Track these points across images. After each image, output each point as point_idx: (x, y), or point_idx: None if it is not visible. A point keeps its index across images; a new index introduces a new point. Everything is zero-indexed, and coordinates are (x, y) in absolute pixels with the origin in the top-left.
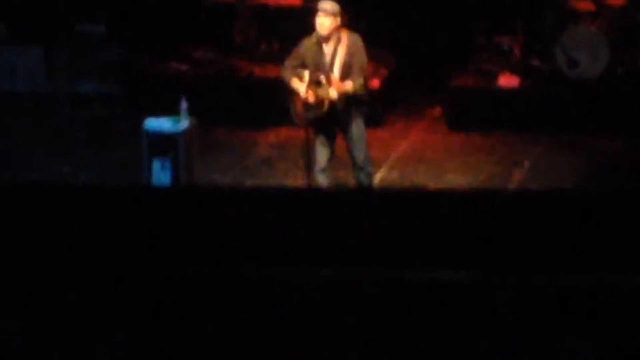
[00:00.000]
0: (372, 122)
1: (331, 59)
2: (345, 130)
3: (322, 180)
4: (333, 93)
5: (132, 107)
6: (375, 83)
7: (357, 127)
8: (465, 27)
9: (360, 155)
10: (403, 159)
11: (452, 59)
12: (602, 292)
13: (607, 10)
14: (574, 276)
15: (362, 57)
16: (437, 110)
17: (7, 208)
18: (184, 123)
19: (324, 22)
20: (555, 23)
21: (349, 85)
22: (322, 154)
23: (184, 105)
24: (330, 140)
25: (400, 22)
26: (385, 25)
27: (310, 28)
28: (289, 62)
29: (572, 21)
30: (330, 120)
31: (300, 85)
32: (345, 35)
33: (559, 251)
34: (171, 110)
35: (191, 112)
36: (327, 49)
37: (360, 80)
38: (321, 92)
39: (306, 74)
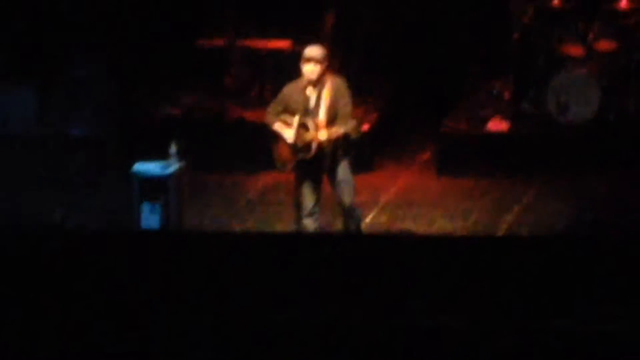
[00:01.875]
0: (362, 166)
1: (316, 104)
2: (331, 174)
3: (309, 225)
4: (322, 135)
5: (124, 150)
6: (365, 127)
7: (344, 171)
8: (456, 71)
9: (347, 200)
10: (392, 203)
11: (442, 104)
12: (595, 337)
13: (598, 55)
14: (566, 322)
15: (347, 100)
16: (427, 155)
17: None
18: (173, 167)
19: (314, 69)
20: (546, 68)
21: (341, 128)
22: (308, 199)
23: (173, 149)
24: (317, 185)
25: (391, 66)
26: (376, 70)
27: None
28: (272, 108)
29: (563, 66)
30: (317, 164)
31: (286, 130)
32: (329, 79)
33: (549, 296)
34: (163, 154)
35: (181, 156)
36: (312, 93)
37: (354, 123)
38: (308, 136)
39: (295, 119)
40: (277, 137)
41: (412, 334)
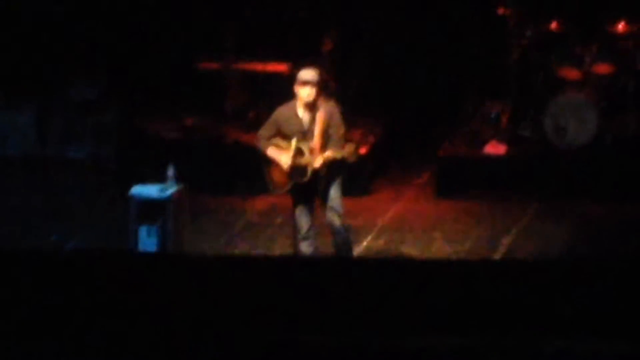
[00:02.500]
0: (359, 189)
1: (310, 127)
2: (323, 195)
3: (305, 248)
4: (318, 162)
5: (123, 173)
6: (362, 150)
7: (335, 192)
8: (454, 94)
9: (337, 220)
10: (389, 226)
11: (440, 127)
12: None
13: (595, 78)
14: (563, 343)
15: (340, 123)
16: (423, 177)
17: None
18: (171, 189)
19: (311, 92)
20: (543, 91)
21: (338, 153)
22: (303, 223)
23: (171, 171)
24: (310, 208)
25: (388, 90)
26: (374, 93)
27: None
28: (264, 131)
29: (561, 89)
30: (311, 187)
31: (282, 155)
32: (322, 103)
33: (547, 319)
34: (162, 177)
35: (179, 179)
36: (305, 117)
37: (352, 148)
38: (304, 160)
39: (292, 142)
40: (270, 161)
41: (408, 356)
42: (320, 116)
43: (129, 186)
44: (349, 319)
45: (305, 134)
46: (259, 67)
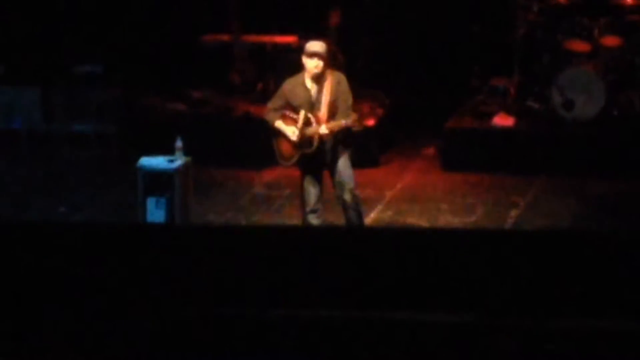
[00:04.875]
0: (367, 161)
1: (317, 98)
2: (332, 168)
3: (313, 220)
4: (324, 130)
5: (129, 146)
6: (370, 122)
7: (344, 164)
8: (462, 67)
9: (348, 193)
10: (397, 198)
11: (447, 100)
12: (599, 336)
13: (603, 51)
14: (570, 319)
15: (347, 94)
16: (432, 150)
17: (3, 247)
18: (179, 162)
19: (318, 64)
20: (551, 64)
21: (342, 121)
22: (311, 195)
23: (179, 143)
24: (318, 180)
25: (397, 63)
26: (382, 66)
27: None
28: (272, 104)
29: (569, 62)
30: (318, 158)
31: (289, 127)
32: (329, 75)
33: (555, 293)
34: (168, 150)
35: (187, 152)
36: (313, 88)
37: (355, 116)
38: (310, 130)
39: (301, 114)
40: (278, 133)
41: (414, 329)
42: (327, 87)
43: (136, 160)
44: (355, 291)
45: (313, 105)
46: (266, 39)
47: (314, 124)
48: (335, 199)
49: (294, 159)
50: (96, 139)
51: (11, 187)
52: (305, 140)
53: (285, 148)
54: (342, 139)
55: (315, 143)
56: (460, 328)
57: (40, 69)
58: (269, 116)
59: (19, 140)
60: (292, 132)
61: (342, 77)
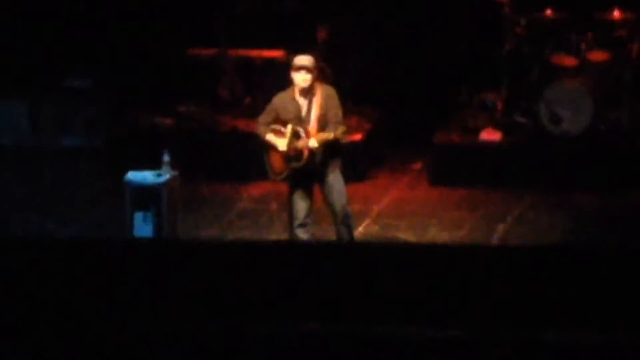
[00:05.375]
0: (354, 176)
1: (307, 112)
2: (323, 182)
3: (302, 235)
4: (313, 142)
5: (117, 161)
6: (358, 137)
7: (335, 178)
8: (449, 82)
9: (340, 208)
10: (385, 213)
11: (435, 115)
12: (588, 350)
13: (591, 66)
14: (559, 332)
15: (337, 107)
16: (418, 165)
17: None
18: (166, 176)
19: (306, 77)
20: (539, 79)
21: (330, 134)
22: (300, 209)
23: (166, 157)
24: (308, 194)
25: (385, 77)
26: (370, 81)
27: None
28: (263, 119)
29: (556, 77)
30: (308, 173)
31: (279, 140)
32: (319, 88)
33: (544, 307)
34: (156, 165)
35: (174, 166)
36: (302, 102)
37: (343, 128)
38: (300, 143)
39: (288, 127)
40: (269, 147)
41: (402, 344)
42: (317, 101)
43: (123, 174)
44: (345, 306)
45: (302, 119)
46: (253, 53)
47: (304, 137)
48: (323, 213)
49: (285, 174)
50: (84, 153)
51: None
52: (294, 153)
53: (276, 162)
54: (331, 152)
55: (305, 157)
56: (449, 343)
57: (29, 82)
58: (259, 130)
59: (6, 154)
60: (281, 144)
61: (331, 91)
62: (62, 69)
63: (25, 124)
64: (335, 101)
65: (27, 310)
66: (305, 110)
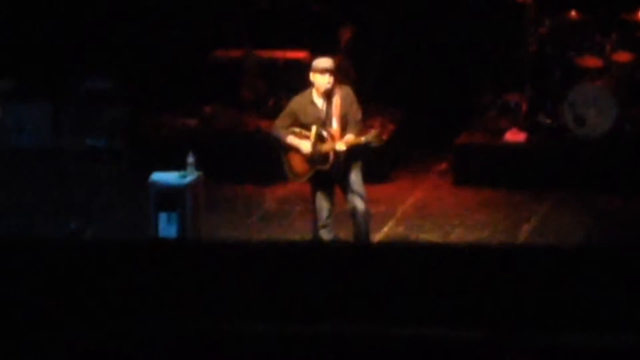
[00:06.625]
0: (378, 177)
1: (327, 114)
2: (344, 181)
3: (325, 236)
4: (341, 146)
5: (140, 162)
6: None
7: (356, 176)
8: (473, 83)
9: (360, 204)
10: (409, 214)
11: (459, 116)
12: (611, 352)
13: (615, 67)
14: (581, 335)
15: (356, 107)
16: (443, 165)
17: (14, 264)
18: (191, 177)
19: (330, 80)
20: (562, 80)
21: (362, 138)
22: (323, 210)
23: (190, 159)
24: (330, 195)
25: (408, 78)
26: (393, 81)
27: None
28: (281, 122)
29: (580, 78)
30: (331, 174)
31: (302, 142)
32: (337, 89)
33: (566, 309)
34: (179, 166)
35: (198, 167)
36: (321, 104)
37: (375, 132)
38: (325, 146)
39: (313, 130)
40: (289, 149)
41: (424, 345)
42: (336, 102)
43: (147, 175)
44: (369, 307)
45: (323, 121)
46: (277, 55)
47: (329, 140)
48: (346, 213)
49: (308, 175)
50: (107, 155)
51: (21, 204)
52: (319, 156)
53: (297, 164)
54: (356, 153)
55: (331, 159)
56: (471, 344)
57: (51, 84)
58: (279, 133)
59: (29, 156)
60: (305, 147)
61: (348, 90)
62: (84, 71)
63: (48, 126)
64: (353, 101)
65: (49, 312)
66: (325, 112)
